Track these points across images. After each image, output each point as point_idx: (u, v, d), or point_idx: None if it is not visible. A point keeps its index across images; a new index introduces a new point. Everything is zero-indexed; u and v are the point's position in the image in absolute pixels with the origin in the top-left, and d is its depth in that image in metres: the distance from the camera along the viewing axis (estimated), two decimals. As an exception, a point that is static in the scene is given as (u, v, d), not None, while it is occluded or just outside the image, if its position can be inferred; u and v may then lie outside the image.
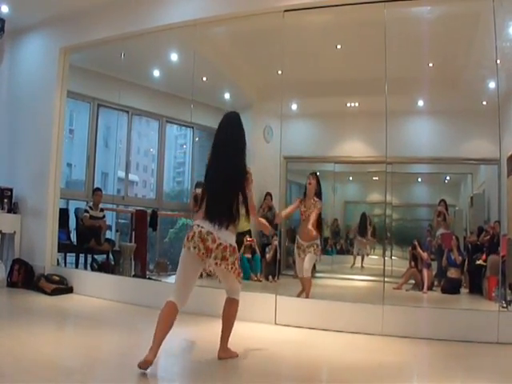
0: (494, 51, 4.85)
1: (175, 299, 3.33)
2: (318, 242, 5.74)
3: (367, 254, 8.03)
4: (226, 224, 3.39)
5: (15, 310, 5.54)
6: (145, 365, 3.06)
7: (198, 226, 3.38)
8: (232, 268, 3.42)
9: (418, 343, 4.39)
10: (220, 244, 3.34)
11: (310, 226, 5.48)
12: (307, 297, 5.45)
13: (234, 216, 3.44)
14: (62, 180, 7.28)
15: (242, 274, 3.61)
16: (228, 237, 3.40)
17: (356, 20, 5.95)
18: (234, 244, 3.46)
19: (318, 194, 5.81)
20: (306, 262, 5.63)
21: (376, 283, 6.40)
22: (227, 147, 3.52)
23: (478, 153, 6.77)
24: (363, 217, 8.09)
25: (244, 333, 4.53)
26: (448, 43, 6.46)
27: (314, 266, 6.13)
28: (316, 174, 6.00)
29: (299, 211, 5.81)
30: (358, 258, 8.06)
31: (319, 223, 5.81)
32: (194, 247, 3.31)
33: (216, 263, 3.35)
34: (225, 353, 3.58)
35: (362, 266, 7.97)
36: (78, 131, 9.08)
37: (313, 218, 5.58)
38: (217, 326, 4.82)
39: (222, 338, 3.59)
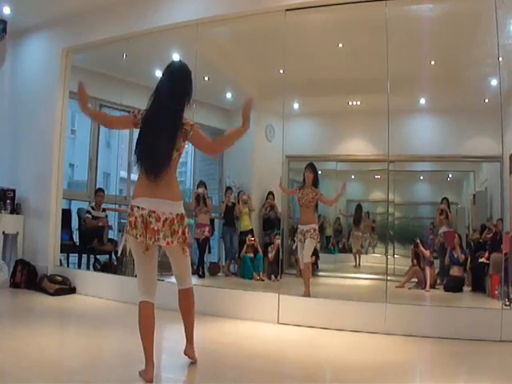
0: (496, 48, 4.85)
1: (148, 297, 3.11)
2: (316, 226, 5.99)
3: (365, 252, 8.00)
4: (169, 192, 3.04)
5: (18, 310, 5.55)
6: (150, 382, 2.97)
7: (138, 208, 2.99)
8: (182, 240, 3.08)
9: (421, 341, 4.39)
10: (166, 219, 2.99)
11: (333, 202, 6.69)
12: (307, 286, 5.53)
13: (174, 180, 3.12)
14: (64, 180, 7.29)
15: (188, 242, 3.19)
16: (173, 207, 3.03)
17: (357, 19, 5.95)
18: (182, 211, 3.09)
19: (315, 183, 6.10)
20: (305, 248, 5.85)
21: (378, 282, 6.40)
22: (164, 106, 3.09)
23: (480, 150, 6.76)
24: (358, 208, 8.11)
25: (247, 332, 4.54)
26: (450, 41, 6.45)
27: (317, 265, 6.14)
28: (313, 165, 6.17)
29: (297, 198, 6.14)
30: (361, 257, 8.04)
31: (316, 209, 6.17)
32: (140, 235, 2.97)
33: (167, 243, 3.02)
34: (192, 351, 3.40)
35: (358, 265, 7.95)
36: (80, 131, 9.11)
37: (324, 200, 6.16)
38: (219, 325, 4.85)
39: (190, 333, 3.39)
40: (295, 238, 6.08)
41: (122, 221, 8.24)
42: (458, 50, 6.73)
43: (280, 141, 5.79)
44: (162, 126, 3.02)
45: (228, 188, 7.98)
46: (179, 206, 3.08)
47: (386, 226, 7.10)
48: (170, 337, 4.63)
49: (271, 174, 6.69)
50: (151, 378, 2.95)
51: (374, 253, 8.01)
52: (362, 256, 8.00)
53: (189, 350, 3.39)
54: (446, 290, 6.44)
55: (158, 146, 3.00)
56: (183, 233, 3.07)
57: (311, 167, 6.14)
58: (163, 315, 5.28)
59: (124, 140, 8.53)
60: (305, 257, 5.84)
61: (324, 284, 7.12)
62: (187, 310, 3.37)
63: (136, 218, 2.97)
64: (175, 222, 3.02)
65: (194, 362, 3.41)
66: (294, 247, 6.20)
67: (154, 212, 2.97)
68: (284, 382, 3.41)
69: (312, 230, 5.89)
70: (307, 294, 5.45)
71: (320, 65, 7.32)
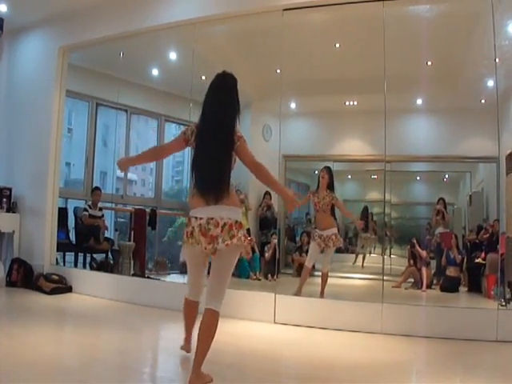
0: (493, 49, 4.86)
1: (192, 297, 3.39)
2: (336, 230, 5.92)
3: (369, 253, 8.01)
4: (225, 199, 3.03)
5: (14, 309, 5.54)
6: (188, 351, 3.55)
7: (196, 218, 3.04)
8: (243, 240, 3.03)
9: (417, 341, 4.40)
10: (225, 224, 2.99)
11: (347, 215, 6.68)
12: (323, 292, 5.62)
13: (228, 188, 3.07)
14: (60, 179, 7.28)
15: (250, 249, 3.21)
16: (231, 212, 3.04)
17: (355, 19, 5.95)
18: (239, 219, 3.08)
19: (331, 187, 5.97)
20: (326, 256, 5.88)
21: (375, 281, 6.39)
22: (216, 122, 3.10)
23: (476, 151, 6.77)
24: (365, 211, 8.10)
25: (243, 331, 4.54)
26: (447, 41, 6.46)
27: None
28: (329, 168, 6.06)
29: (313, 203, 6.01)
30: (360, 256, 8.05)
31: (333, 212, 6.00)
32: (198, 243, 3.02)
33: (226, 244, 2.97)
34: (198, 379, 2.94)
35: (362, 266, 7.95)
36: (77, 130, 9.08)
37: (340, 206, 6.06)
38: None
39: (195, 360, 2.95)
40: (314, 243, 5.89)
41: (118, 220, 8.24)
42: (454, 50, 6.74)
43: (277, 140, 5.78)
44: (215, 147, 3.07)
45: (225, 187, 7.96)
46: (237, 213, 3.08)
47: (382, 226, 7.11)
48: (167, 336, 4.64)
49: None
50: (189, 350, 3.54)
51: (370, 253, 8.02)
52: (359, 256, 8.02)
53: (195, 379, 2.94)
54: (442, 290, 6.46)
55: (215, 171, 3.05)
56: (244, 236, 3.05)
57: (327, 168, 6.05)
58: (161, 315, 5.30)
59: (121, 139, 8.51)
60: (324, 265, 5.87)
61: (320, 284, 7.12)
62: (206, 335, 3.04)
63: (193, 227, 3.03)
64: (233, 227, 3.01)
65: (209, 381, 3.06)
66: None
67: (212, 219, 3.00)
68: (280, 382, 3.41)
69: (334, 237, 5.83)
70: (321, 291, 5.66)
71: (317, 65, 7.33)
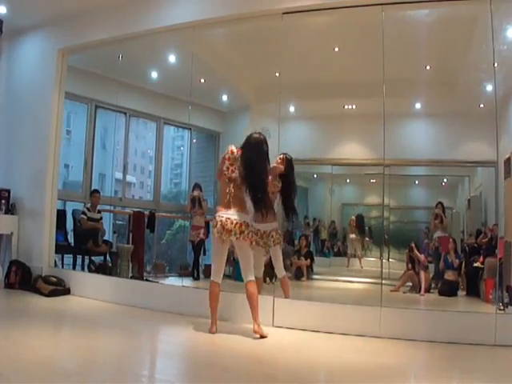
0: (492, 54, 4.87)
1: (217, 279, 4.57)
2: (277, 225, 5.24)
3: (361, 256, 8.02)
4: (240, 209, 4.47)
5: (12, 311, 5.53)
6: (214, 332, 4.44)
7: (219, 216, 4.47)
8: (247, 238, 4.45)
9: (416, 345, 4.39)
10: (236, 223, 4.40)
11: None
12: (287, 297, 5.22)
13: (244, 201, 4.52)
14: (59, 181, 7.27)
15: (253, 242, 4.64)
16: (241, 217, 4.44)
17: (354, 23, 5.96)
18: (248, 220, 4.50)
19: (285, 177, 5.22)
20: (276, 260, 5.30)
21: (373, 285, 6.40)
22: (254, 167, 4.49)
23: (475, 155, 6.78)
24: (360, 218, 8.12)
25: (241, 335, 4.53)
26: (445, 46, 6.48)
27: (312, 268, 6.07)
28: (285, 154, 5.33)
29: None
30: (354, 260, 8.05)
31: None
32: (218, 232, 4.42)
33: (236, 238, 4.41)
34: (259, 327, 4.43)
35: (361, 267, 7.96)
36: (76, 132, 9.08)
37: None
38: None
39: (254, 314, 4.46)
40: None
41: (117, 222, 8.23)
42: (453, 55, 6.75)
43: (275, 144, 5.77)
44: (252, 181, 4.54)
45: (223, 191, 7.97)
46: (246, 217, 4.50)
47: (381, 230, 7.11)
48: (165, 339, 4.63)
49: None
50: (214, 332, 4.45)
51: (369, 256, 8.02)
52: (355, 259, 8.03)
53: (257, 328, 4.45)
54: (440, 294, 6.46)
55: (258, 194, 4.56)
56: (247, 235, 4.46)
57: (282, 156, 5.21)
58: (159, 317, 5.30)
59: (120, 141, 8.51)
60: (280, 270, 5.31)
61: (319, 287, 7.12)
62: (252, 298, 4.52)
63: (217, 222, 4.46)
64: (242, 225, 4.44)
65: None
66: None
67: (229, 218, 4.44)
68: (278, 385, 3.41)
69: (274, 233, 5.19)
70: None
71: (316, 68, 7.33)
